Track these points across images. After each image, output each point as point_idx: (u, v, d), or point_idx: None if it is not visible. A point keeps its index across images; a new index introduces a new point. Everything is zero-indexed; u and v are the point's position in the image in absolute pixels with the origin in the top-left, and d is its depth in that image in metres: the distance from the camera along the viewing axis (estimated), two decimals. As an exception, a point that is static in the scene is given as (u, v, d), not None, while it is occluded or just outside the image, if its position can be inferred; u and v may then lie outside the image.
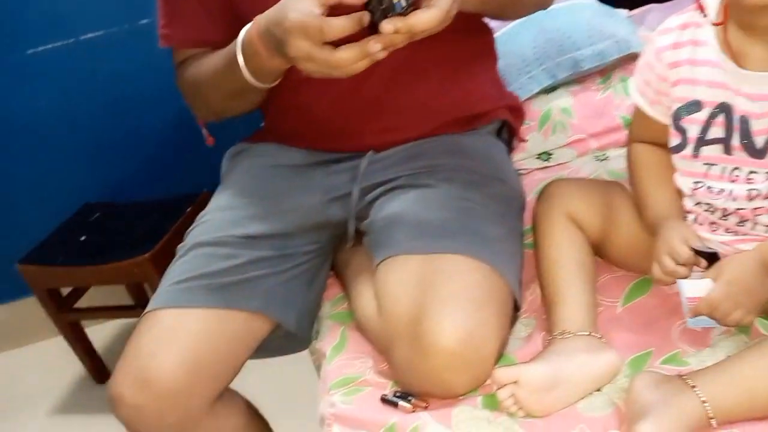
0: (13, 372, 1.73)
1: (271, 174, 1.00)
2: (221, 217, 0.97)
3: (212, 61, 0.92)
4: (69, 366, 1.63)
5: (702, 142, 0.79)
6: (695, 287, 0.75)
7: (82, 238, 1.52)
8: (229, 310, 0.87)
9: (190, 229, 0.98)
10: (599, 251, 0.90)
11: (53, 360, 1.69)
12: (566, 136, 1.23)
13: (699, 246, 0.76)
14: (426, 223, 0.85)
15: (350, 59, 0.71)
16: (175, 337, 0.83)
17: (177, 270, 0.91)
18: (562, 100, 1.26)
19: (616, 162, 1.15)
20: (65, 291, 1.57)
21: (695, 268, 0.76)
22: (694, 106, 0.78)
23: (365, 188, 0.95)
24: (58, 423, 1.55)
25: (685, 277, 0.77)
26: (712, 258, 0.76)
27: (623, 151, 1.19)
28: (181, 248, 0.94)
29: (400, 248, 0.83)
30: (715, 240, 0.82)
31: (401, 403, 0.77)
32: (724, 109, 0.76)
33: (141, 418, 0.82)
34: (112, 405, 0.83)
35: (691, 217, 0.84)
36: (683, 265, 0.76)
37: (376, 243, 0.88)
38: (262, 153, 1.03)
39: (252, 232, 0.93)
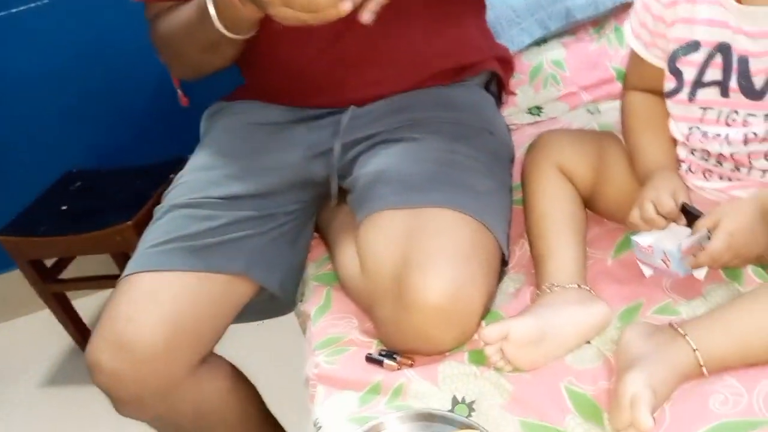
0: (0, 345, 1.71)
1: (250, 132, 0.96)
2: (199, 177, 0.93)
3: (184, 13, 0.87)
4: (57, 338, 1.61)
5: (698, 84, 0.75)
6: (675, 237, 0.73)
7: (64, 207, 1.48)
8: (210, 273, 0.84)
9: (167, 190, 0.94)
10: (589, 204, 0.88)
11: (41, 333, 1.67)
12: (558, 90, 1.19)
13: (686, 203, 0.74)
14: (411, 177, 0.82)
15: (330, 1, 0.66)
16: (153, 300, 0.80)
17: (154, 233, 0.88)
18: (554, 52, 1.22)
19: (609, 115, 1.12)
20: (49, 263, 1.54)
21: (672, 224, 0.75)
22: (692, 46, 0.75)
23: (347, 144, 0.91)
24: (48, 394, 1.54)
25: (661, 229, 0.75)
26: (693, 217, 0.73)
27: (616, 103, 1.16)
28: (158, 210, 0.91)
29: (383, 203, 0.80)
30: (708, 187, 0.79)
31: (386, 361, 0.75)
32: (722, 49, 0.73)
33: (120, 384, 0.79)
34: (90, 372, 0.81)
35: (684, 166, 0.81)
36: (663, 216, 0.73)
37: (359, 199, 0.84)
38: (241, 111, 0.99)
39: (232, 192, 0.89)
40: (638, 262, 0.80)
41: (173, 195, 0.92)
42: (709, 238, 0.71)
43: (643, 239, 0.76)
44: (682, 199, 0.75)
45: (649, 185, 0.77)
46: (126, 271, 0.84)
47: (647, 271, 0.79)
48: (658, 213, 0.74)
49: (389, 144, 0.88)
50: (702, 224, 0.71)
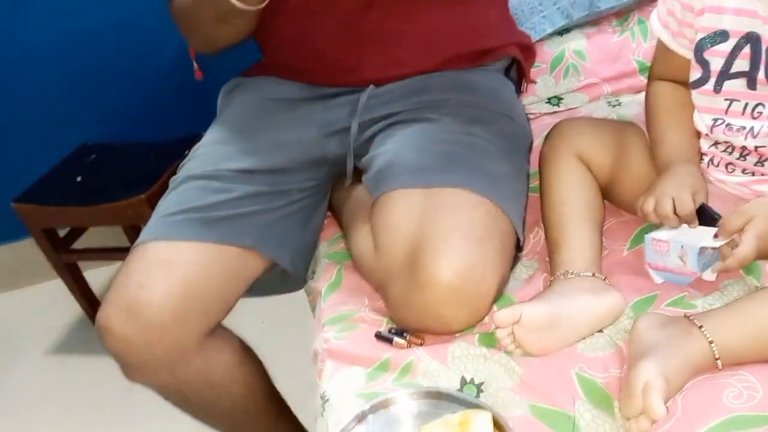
0: (11, 313, 1.73)
1: (267, 108, 0.96)
2: (215, 150, 0.93)
3: None
4: (67, 308, 1.63)
5: (725, 75, 0.74)
6: (692, 236, 0.72)
7: (79, 178, 1.49)
8: (222, 245, 0.84)
9: (183, 162, 0.94)
10: (606, 194, 0.87)
11: (51, 302, 1.69)
12: (578, 80, 1.18)
13: (705, 204, 0.73)
14: (427, 158, 0.81)
15: None
16: (166, 268, 0.81)
17: (169, 202, 0.88)
18: (576, 42, 1.20)
19: (629, 108, 1.11)
20: (62, 233, 1.55)
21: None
22: (720, 36, 0.73)
23: (365, 123, 0.91)
24: (56, 363, 1.56)
25: (674, 227, 0.73)
26: (709, 219, 0.72)
27: (637, 97, 1.16)
28: (173, 181, 0.91)
29: (399, 182, 0.79)
30: (730, 181, 0.78)
31: (396, 339, 0.75)
32: (751, 39, 0.72)
33: (130, 349, 0.80)
34: (101, 336, 0.81)
35: (706, 158, 0.80)
36: (678, 215, 0.72)
37: (375, 178, 0.84)
38: (259, 87, 0.99)
39: (246, 166, 0.89)
40: (648, 268, 0.78)
41: (189, 166, 0.92)
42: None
43: (660, 234, 0.75)
44: (701, 200, 0.73)
45: (669, 178, 0.75)
46: (140, 239, 0.84)
47: (658, 278, 0.77)
48: (675, 212, 0.73)
49: (407, 124, 0.88)
50: (731, 226, 0.70)
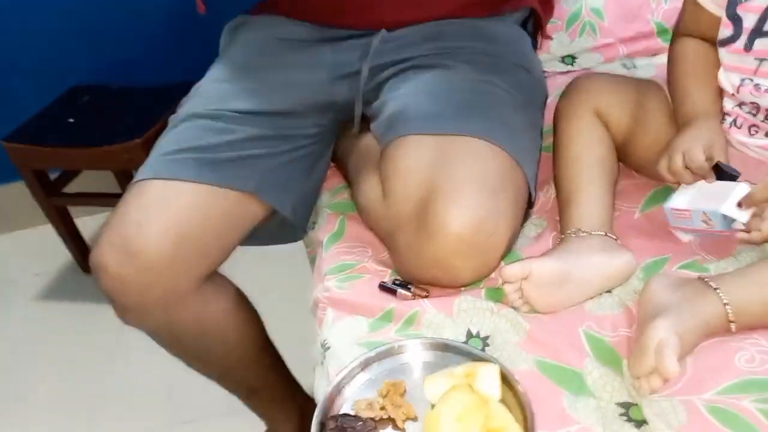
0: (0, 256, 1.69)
1: (274, 47, 0.91)
2: (218, 88, 0.89)
3: None
4: (57, 254, 1.60)
5: (757, 33, 0.71)
6: (711, 197, 0.69)
7: (71, 120, 1.44)
8: (221, 188, 0.81)
9: (183, 100, 0.90)
10: (621, 154, 0.84)
11: (41, 247, 1.66)
12: (594, 40, 1.14)
13: (722, 162, 0.70)
14: (442, 104, 0.78)
15: None
16: (163, 207, 0.78)
17: (169, 141, 0.84)
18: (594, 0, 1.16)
19: (645, 71, 1.08)
20: (53, 177, 1.51)
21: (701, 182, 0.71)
22: None
23: (376, 67, 0.87)
24: (44, 309, 1.53)
25: (689, 183, 0.71)
26: (726, 176, 0.69)
27: (654, 60, 1.13)
28: (173, 119, 0.88)
29: (412, 128, 0.76)
30: (752, 144, 0.75)
31: (401, 290, 0.73)
32: (788, -6, 0.68)
33: (124, 289, 0.77)
34: (95, 275, 0.79)
35: (728, 119, 0.77)
36: (691, 170, 0.70)
37: (386, 124, 0.81)
38: (265, 25, 0.94)
39: (250, 107, 0.86)
40: (672, 229, 0.75)
41: (190, 104, 0.88)
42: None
43: (678, 202, 0.72)
44: (717, 156, 0.71)
45: (685, 133, 0.73)
46: (138, 176, 0.81)
47: (686, 237, 0.75)
48: (687, 167, 0.70)
49: (421, 70, 0.84)
50: (760, 196, 0.67)
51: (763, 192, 0.66)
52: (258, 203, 0.84)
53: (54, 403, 1.30)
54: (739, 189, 0.68)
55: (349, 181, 0.92)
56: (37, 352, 1.42)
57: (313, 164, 0.91)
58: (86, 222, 1.62)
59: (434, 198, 0.69)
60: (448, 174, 0.70)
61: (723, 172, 0.70)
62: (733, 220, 0.69)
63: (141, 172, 0.81)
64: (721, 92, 0.78)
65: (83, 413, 1.27)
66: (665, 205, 0.74)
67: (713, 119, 0.75)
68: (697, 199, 0.71)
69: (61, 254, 1.59)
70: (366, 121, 0.90)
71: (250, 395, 1.00)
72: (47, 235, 1.57)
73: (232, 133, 0.83)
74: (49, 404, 1.30)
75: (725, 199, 0.68)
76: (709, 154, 0.71)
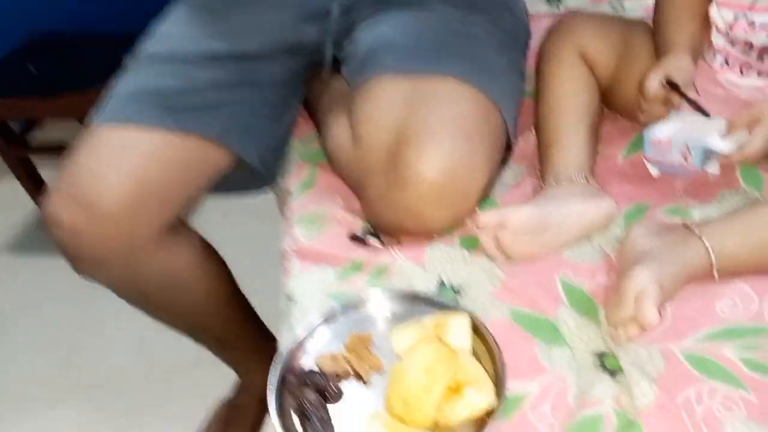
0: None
1: (237, -16, 0.85)
2: (179, 30, 0.83)
3: None
4: (22, 207, 1.55)
5: (754, -36, 0.66)
6: (695, 129, 0.67)
7: (31, 68, 1.36)
8: (183, 134, 0.76)
9: (143, 42, 0.84)
10: (606, 98, 0.80)
11: (5, 200, 1.60)
12: (581, -20, 1.08)
13: (686, 92, 0.68)
14: (417, 43, 0.73)
15: None
16: (121, 155, 0.73)
17: (127, 83, 0.79)
18: (581, -64, 1.10)
19: (634, 13, 1.04)
20: (15, 129, 1.44)
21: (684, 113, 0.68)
22: None
23: (347, 6, 0.81)
24: (8, 262, 1.49)
25: (657, 115, 0.70)
26: (701, 112, 0.67)
27: (642, 2, 1.07)
28: (130, 60, 0.81)
29: (384, 68, 0.71)
30: (743, 84, 0.72)
31: (371, 240, 0.69)
32: None
33: (79, 241, 0.73)
34: (48, 227, 0.74)
35: (719, 58, 0.73)
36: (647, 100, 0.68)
37: (358, 65, 0.75)
38: (229, -39, 0.87)
39: (214, 49, 0.80)
40: (645, 160, 0.74)
41: (149, 45, 0.82)
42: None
43: (661, 131, 0.69)
44: (680, 81, 0.68)
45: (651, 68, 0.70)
46: (93, 121, 0.75)
47: (654, 171, 0.73)
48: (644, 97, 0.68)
49: (396, 9, 0.78)
50: (740, 121, 0.64)
51: (743, 116, 0.64)
52: (222, 150, 0.80)
53: (22, 353, 1.27)
54: (719, 124, 0.67)
55: (318, 127, 0.87)
56: (3, 305, 1.39)
57: (281, 110, 0.86)
58: (51, 175, 1.56)
59: (405, 143, 0.65)
60: (420, 117, 0.65)
61: (693, 104, 0.68)
62: (708, 160, 0.67)
63: (96, 117, 0.76)
64: (706, 29, 0.73)
65: (54, 368, 1.24)
66: (645, 133, 0.71)
67: (683, 54, 0.71)
68: (679, 132, 0.69)
69: (27, 206, 1.54)
70: (338, 66, 0.85)
71: (220, 347, 0.97)
72: (12, 187, 1.51)
73: (194, 77, 0.78)
74: (15, 354, 1.27)
75: (708, 134, 0.65)
76: (672, 77, 0.68)
